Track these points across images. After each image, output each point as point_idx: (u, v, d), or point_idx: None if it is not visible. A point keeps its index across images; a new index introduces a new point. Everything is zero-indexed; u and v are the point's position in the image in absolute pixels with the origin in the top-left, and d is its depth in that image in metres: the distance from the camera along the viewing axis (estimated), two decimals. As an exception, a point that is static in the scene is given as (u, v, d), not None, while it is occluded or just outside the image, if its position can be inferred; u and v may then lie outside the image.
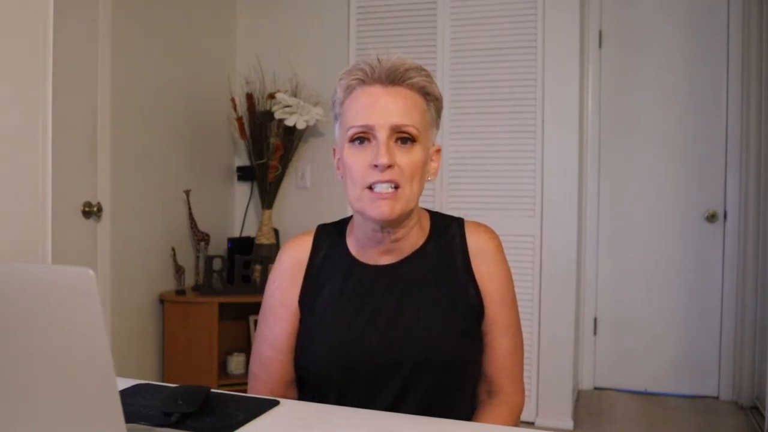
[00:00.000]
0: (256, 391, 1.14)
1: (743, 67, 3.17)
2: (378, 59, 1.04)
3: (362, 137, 1.04)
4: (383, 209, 1.01)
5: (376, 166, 1.01)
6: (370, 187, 1.02)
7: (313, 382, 1.12)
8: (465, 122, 2.97)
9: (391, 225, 1.07)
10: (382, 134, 1.01)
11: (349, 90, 1.06)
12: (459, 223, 1.16)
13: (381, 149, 1.01)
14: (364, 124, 1.03)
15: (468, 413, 1.13)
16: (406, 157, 1.03)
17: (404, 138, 1.03)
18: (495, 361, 1.13)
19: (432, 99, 1.08)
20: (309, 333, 1.11)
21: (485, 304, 1.11)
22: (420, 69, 1.06)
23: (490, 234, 1.15)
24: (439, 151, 1.12)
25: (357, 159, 1.03)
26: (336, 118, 1.10)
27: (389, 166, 1.01)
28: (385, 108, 1.02)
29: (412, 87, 1.05)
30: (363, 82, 1.05)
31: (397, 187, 1.02)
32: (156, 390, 1.04)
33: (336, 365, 1.07)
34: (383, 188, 1.01)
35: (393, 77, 1.03)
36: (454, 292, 1.10)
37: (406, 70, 1.04)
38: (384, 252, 1.11)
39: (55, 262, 2.04)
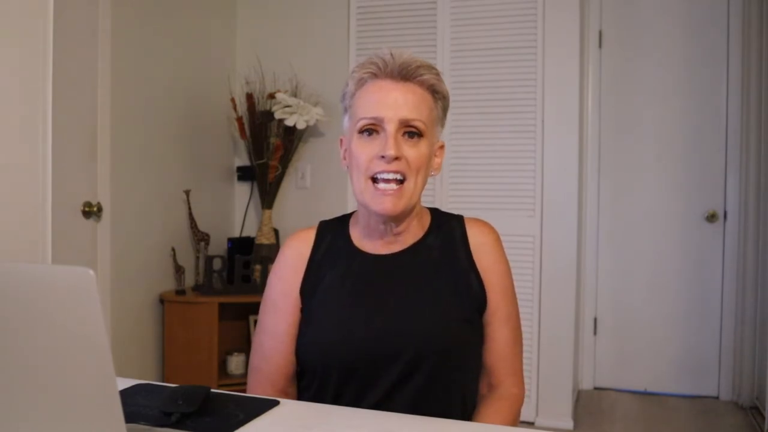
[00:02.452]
0: (257, 384, 1.15)
1: (743, 67, 3.17)
2: (391, 54, 1.08)
3: (371, 129, 1.07)
4: (387, 205, 1.05)
5: (383, 157, 1.04)
6: (374, 179, 1.06)
7: (313, 370, 1.12)
8: (465, 122, 2.97)
9: (394, 219, 1.10)
10: (390, 127, 1.05)
11: (360, 83, 1.10)
12: (459, 218, 1.20)
13: (389, 141, 1.04)
14: (374, 116, 1.06)
15: (468, 404, 1.14)
16: (413, 151, 1.06)
17: (411, 132, 1.07)
18: (495, 351, 1.14)
19: (440, 97, 1.12)
20: (310, 320, 1.12)
21: (488, 294, 1.13)
22: (431, 67, 1.10)
23: (489, 228, 1.19)
24: (442, 147, 1.16)
25: (364, 149, 1.07)
26: (346, 110, 1.14)
27: (396, 158, 1.04)
28: (395, 102, 1.06)
29: (422, 84, 1.09)
30: (375, 75, 1.08)
31: (402, 180, 1.06)
32: (156, 390, 1.04)
33: (336, 352, 1.08)
34: (389, 177, 1.05)
35: (404, 73, 1.07)
36: (456, 282, 1.12)
37: (418, 66, 1.08)
38: (386, 243, 1.14)
39: (55, 262, 2.04)
